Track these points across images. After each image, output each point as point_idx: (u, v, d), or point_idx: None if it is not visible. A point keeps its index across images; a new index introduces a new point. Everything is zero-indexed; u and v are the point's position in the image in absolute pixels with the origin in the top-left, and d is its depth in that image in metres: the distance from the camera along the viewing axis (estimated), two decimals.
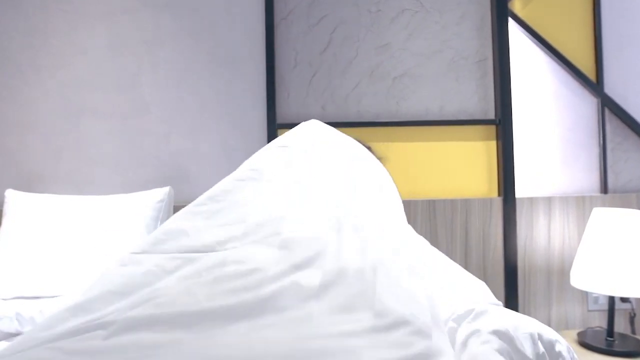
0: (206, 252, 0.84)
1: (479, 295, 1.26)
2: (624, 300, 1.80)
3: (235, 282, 0.74)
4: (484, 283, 1.32)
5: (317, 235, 0.84)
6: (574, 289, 1.91)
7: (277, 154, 1.11)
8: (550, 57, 2.05)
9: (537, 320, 1.00)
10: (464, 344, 0.86)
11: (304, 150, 1.11)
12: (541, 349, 0.89)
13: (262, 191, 0.99)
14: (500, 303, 1.29)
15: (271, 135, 1.96)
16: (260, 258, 0.79)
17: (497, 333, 0.85)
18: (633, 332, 1.89)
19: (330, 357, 0.59)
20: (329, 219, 0.89)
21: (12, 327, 1.20)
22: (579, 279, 1.69)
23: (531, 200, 1.99)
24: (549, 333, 0.94)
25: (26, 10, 1.98)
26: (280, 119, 1.99)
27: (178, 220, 0.94)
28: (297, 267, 0.76)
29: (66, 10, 1.99)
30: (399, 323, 0.65)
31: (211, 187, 2.08)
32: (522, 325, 0.91)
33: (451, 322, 0.91)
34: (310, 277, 0.74)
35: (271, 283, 0.73)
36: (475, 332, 0.86)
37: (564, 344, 0.94)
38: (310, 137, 1.19)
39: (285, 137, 1.18)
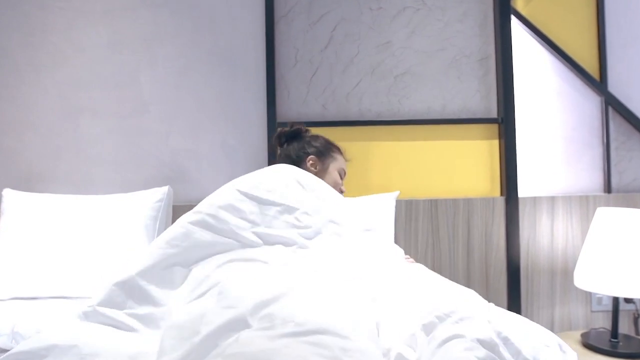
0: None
1: (466, 299, 1.24)
2: (627, 301, 1.78)
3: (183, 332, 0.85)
4: (474, 291, 1.29)
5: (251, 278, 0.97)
6: (577, 289, 1.90)
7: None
8: (553, 55, 2.03)
9: (524, 321, 0.97)
10: (443, 343, 0.83)
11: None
12: (529, 357, 0.87)
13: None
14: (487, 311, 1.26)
15: (271, 134, 1.94)
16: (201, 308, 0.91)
17: (481, 341, 0.83)
18: (637, 333, 1.87)
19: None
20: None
21: (8, 345, 1.17)
22: (582, 280, 1.68)
23: (534, 200, 1.97)
24: (538, 339, 0.90)
25: (25, 8, 1.96)
26: (280, 118, 1.97)
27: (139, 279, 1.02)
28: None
29: (64, 8, 1.97)
30: (314, 330, 0.77)
31: (211, 186, 2.06)
32: (510, 333, 0.88)
33: (434, 317, 0.88)
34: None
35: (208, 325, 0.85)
36: (457, 336, 0.83)
37: (555, 348, 0.91)
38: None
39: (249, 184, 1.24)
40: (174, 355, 0.79)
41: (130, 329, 0.94)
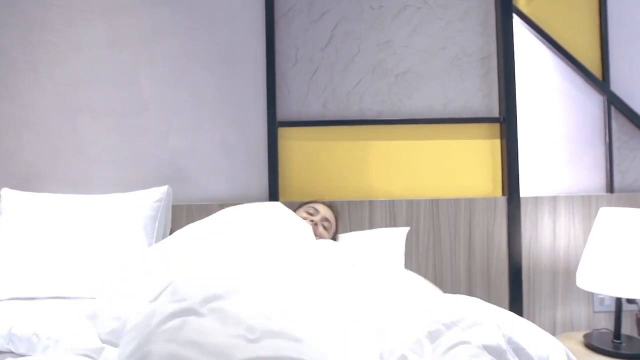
0: None
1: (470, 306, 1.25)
2: (630, 301, 1.77)
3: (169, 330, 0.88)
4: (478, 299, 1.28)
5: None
6: (579, 290, 1.88)
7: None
8: (555, 53, 2.02)
9: (534, 327, 0.95)
10: (447, 350, 0.83)
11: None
12: None
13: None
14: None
15: (271, 134, 1.93)
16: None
17: (487, 348, 0.82)
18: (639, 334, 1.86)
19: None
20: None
21: (5, 346, 1.15)
22: (584, 280, 1.66)
23: (536, 200, 1.96)
24: (544, 346, 0.89)
25: (23, 6, 1.95)
26: (280, 117, 1.96)
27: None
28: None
29: (63, 7, 1.96)
30: (268, 332, 0.81)
31: (210, 186, 2.05)
32: (521, 339, 0.87)
33: (441, 325, 0.89)
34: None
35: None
36: (462, 343, 0.83)
37: (563, 357, 0.89)
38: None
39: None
40: (128, 349, 0.83)
41: (99, 350, 0.98)
